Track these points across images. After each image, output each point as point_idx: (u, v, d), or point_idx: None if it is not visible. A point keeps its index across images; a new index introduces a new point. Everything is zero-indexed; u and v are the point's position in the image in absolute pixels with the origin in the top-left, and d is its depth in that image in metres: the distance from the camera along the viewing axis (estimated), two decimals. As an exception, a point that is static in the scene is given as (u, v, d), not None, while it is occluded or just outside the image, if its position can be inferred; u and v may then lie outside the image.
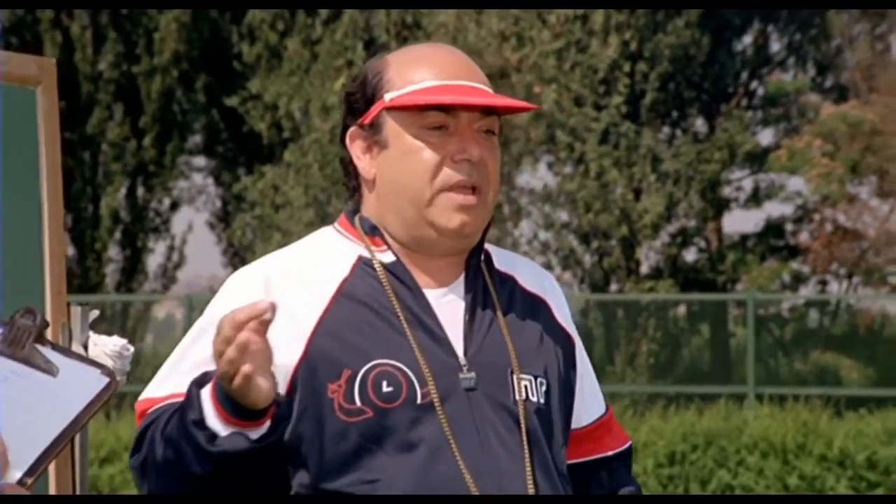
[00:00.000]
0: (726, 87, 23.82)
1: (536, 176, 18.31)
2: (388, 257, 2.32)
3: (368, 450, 2.20)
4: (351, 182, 2.36)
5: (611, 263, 20.61)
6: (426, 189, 2.27)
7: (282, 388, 2.20)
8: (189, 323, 13.71)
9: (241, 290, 2.28)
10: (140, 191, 20.65)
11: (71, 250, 20.34)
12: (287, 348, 2.21)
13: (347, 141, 2.34)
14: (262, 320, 2.03)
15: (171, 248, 21.11)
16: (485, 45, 18.78)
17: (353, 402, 2.22)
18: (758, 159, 22.89)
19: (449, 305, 2.31)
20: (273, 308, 2.03)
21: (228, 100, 20.06)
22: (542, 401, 2.31)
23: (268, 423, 2.11)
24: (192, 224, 21.32)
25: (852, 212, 22.41)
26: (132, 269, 20.44)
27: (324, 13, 19.46)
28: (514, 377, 2.29)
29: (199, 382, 2.14)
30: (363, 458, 2.20)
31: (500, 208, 19.52)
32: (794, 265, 23.02)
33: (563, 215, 20.48)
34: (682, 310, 20.51)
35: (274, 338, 2.13)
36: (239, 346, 2.03)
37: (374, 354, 2.23)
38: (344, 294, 2.28)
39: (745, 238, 23.45)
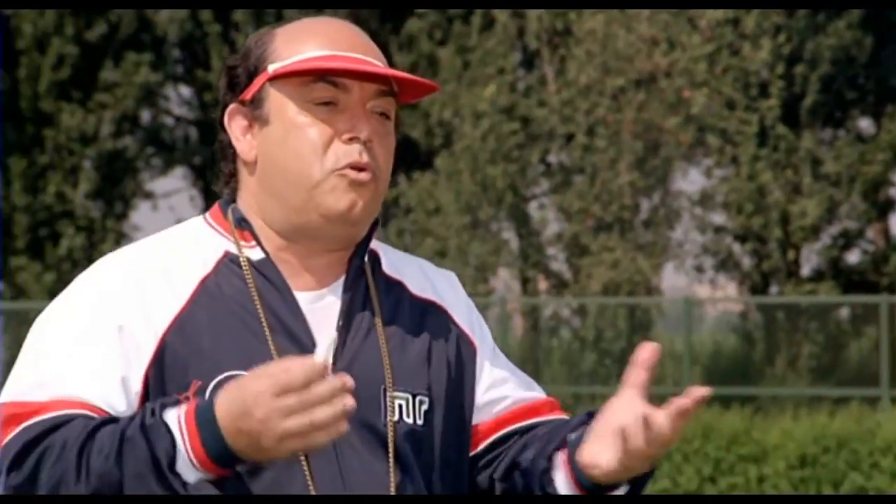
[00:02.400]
0: (892, 87, 23.38)
1: (687, 180, 18.29)
2: (256, 254, 2.05)
3: None
4: (227, 167, 2.09)
5: (770, 266, 20.43)
6: (312, 170, 2.01)
7: (136, 395, 1.97)
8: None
9: (106, 277, 2.04)
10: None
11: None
12: (139, 350, 1.98)
13: (226, 120, 2.07)
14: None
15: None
16: (634, 51, 18.84)
17: None
18: (924, 160, 22.42)
19: (322, 310, 2.04)
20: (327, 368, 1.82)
21: (382, 108, 20.49)
22: (419, 422, 2.06)
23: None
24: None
25: None
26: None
27: (477, 22, 19.71)
28: (388, 395, 2.03)
29: (161, 409, 1.88)
30: (212, 478, 1.93)
31: (655, 211, 19.58)
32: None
33: (717, 218, 20.40)
34: (844, 312, 20.23)
35: (130, 330, 1.97)
36: (340, 413, 1.80)
37: (227, 365, 1.98)
38: (204, 293, 2.02)
39: (911, 240, 22.97)
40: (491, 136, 18.98)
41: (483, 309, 18.09)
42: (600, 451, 1.98)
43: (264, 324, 2.01)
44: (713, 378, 18.83)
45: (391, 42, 20.94)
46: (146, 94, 21.38)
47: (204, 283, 2.03)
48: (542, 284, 20.10)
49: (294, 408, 1.80)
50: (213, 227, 2.09)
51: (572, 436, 2.05)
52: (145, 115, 22.26)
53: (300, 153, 2.02)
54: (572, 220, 19.23)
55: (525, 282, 20.17)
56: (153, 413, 1.88)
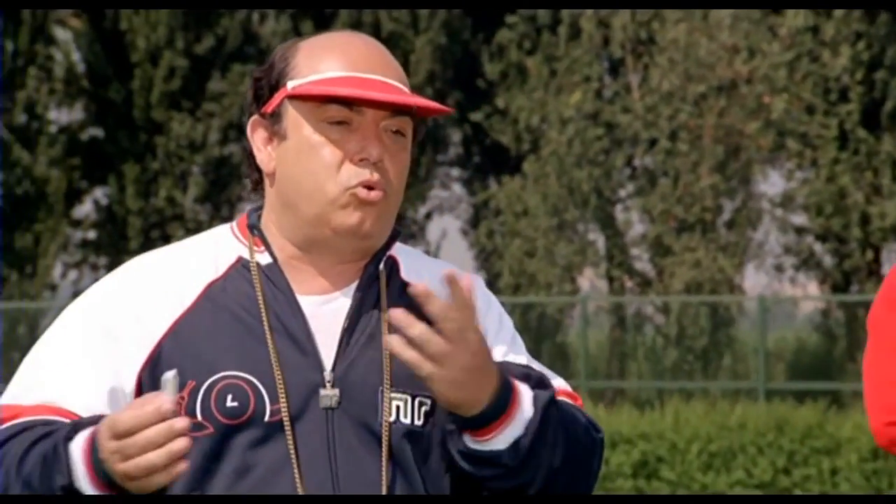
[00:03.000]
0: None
1: (768, 182, 18.56)
2: (264, 259, 2.06)
3: (207, 469, 1.98)
4: (253, 175, 2.11)
5: (851, 265, 20.56)
6: (325, 188, 2.02)
7: (129, 395, 2.01)
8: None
9: (111, 282, 2.09)
10: (398, 201, 21.70)
11: (336, 256, 21.60)
12: (131, 353, 2.01)
13: (249, 130, 2.08)
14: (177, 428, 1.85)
15: (426, 253, 22.03)
16: (715, 59, 19.08)
17: (195, 415, 1.97)
18: None
19: (328, 315, 2.04)
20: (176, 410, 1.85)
21: (473, 114, 20.93)
22: (418, 422, 2.03)
23: None
24: (447, 231, 22.48)
25: None
26: (391, 273, 21.49)
27: (564, 32, 20.06)
28: (384, 396, 2.02)
29: (69, 435, 1.91)
30: (202, 478, 1.98)
31: (738, 212, 19.81)
32: None
33: (798, 219, 20.57)
34: (924, 310, 20.29)
35: (120, 335, 2.01)
36: (172, 455, 1.84)
37: (222, 365, 1.99)
38: (208, 297, 2.04)
39: None
40: (577, 141, 19.33)
41: (569, 307, 18.46)
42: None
43: (266, 326, 2.01)
44: (796, 373, 19.03)
45: (483, 51, 21.35)
46: (251, 103, 21.99)
47: (210, 287, 2.05)
48: (627, 283, 20.41)
49: (126, 451, 1.83)
50: (234, 233, 2.11)
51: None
52: (250, 123, 22.88)
53: (313, 171, 2.03)
54: (656, 221, 19.53)
55: (611, 281, 20.50)
56: (67, 438, 1.92)
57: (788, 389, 16.30)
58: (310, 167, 2.03)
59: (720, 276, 19.05)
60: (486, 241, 21.02)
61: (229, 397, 1.98)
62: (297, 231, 2.05)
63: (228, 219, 21.39)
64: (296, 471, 1.97)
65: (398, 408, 2.02)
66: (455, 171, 23.44)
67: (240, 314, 2.02)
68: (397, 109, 2.03)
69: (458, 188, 23.41)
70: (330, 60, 2.04)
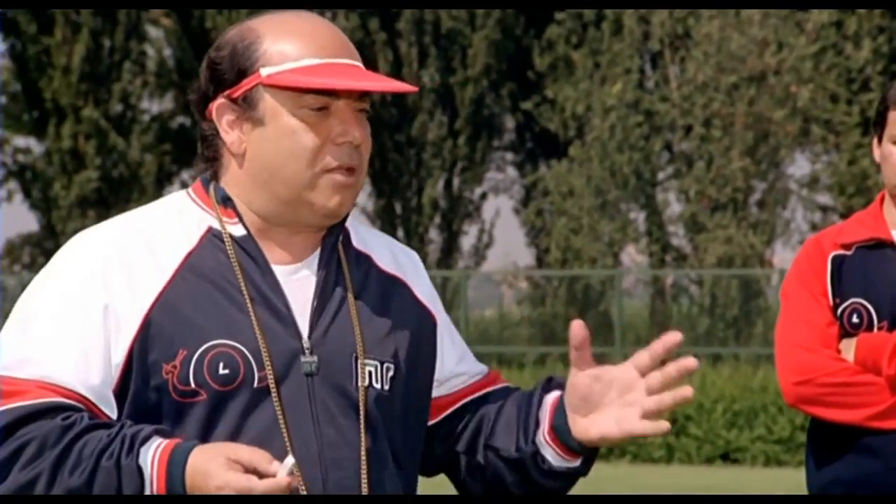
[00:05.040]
0: None
1: (795, 165, 18.80)
2: (238, 230, 2.00)
3: (203, 436, 1.92)
4: (209, 152, 2.02)
5: (874, 241, 20.73)
6: (306, 171, 1.97)
7: (118, 367, 1.94)
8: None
9: (92, 254, 1.97)
10: (455, 182, 22.13)
11: (400, 233, 22.05)
12: (122, 326, 1.93)
13: (214, 114, 1.99)
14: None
15: (481, 231, 22.53)
16: (746, 52, 19.33)
17: (188, 383, 1.92)
18: None
19: (299, 283, 2.00)
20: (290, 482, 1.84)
21: (524, 104, 21.31)
22: (385, 387, 2.01)
23: None
24: (500, 210, 22.66)
25: None
26: (449, 249, 21.97)
27: (608, 28, 20.36)
28: (359, 363, 1.99)
29: (133, 449, 1.87)
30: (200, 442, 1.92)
31: (770, 191, 20.07)
32: None
33: (822, 198, 20.82)
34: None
35: (114, 309, 1.93)
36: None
37: (212, 334, 1.93)
38: (189, 267, 1.97)
39: None
40: (619, 128, 19.68)
41: (612, 279, 18.86)
42: (601, 422, 1.99)
43: (245, 295, 1.97)
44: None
45: (533, 46, 21.71)
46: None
47: (188, 257, 1.98)
48: (665, 258, 20.75)
49: (244, 486, 1.85)
50: (196, 202, 2.04)
51: (544, 418, 2.07)
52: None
53: (295, 155, 1.97)
54: (691, 201, 19.85)
55: (650, 255, 20.85)
56: (130, 447, 1.87)
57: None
58: (291, 151, 1.97)
59: (750, 252, 19.36)
60: (535, 219, 21.48)
61: (221, 364, 1.93)
62: (268, 208, 2.01)
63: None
64: (285, 434, 1.94)
65: (370, 373, 2.01)
66: (509, 156, 23.85)
67: (220, 283, 1.98)
68: (365, 92, 1.99)
69: (511, 171, 23.82)
70: (299, 47, 1.98)
